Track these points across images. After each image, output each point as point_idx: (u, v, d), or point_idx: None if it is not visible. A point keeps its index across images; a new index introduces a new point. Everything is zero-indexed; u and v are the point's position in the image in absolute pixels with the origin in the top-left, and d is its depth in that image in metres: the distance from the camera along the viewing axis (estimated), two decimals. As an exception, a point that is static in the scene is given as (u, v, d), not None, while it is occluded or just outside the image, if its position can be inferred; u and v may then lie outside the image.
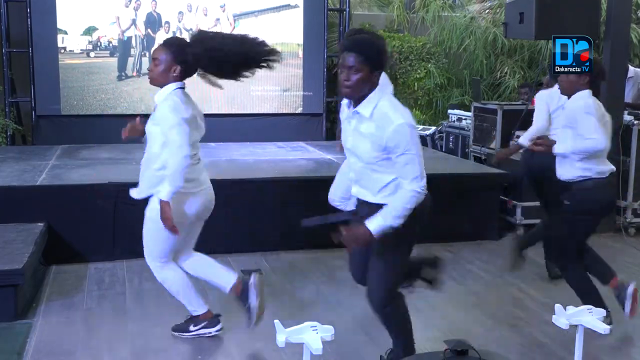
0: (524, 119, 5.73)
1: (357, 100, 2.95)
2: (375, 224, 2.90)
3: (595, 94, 3.89)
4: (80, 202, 5.05)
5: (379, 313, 3.23)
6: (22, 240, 4.46)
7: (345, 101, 3.09)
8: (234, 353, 3.61)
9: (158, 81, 3.52)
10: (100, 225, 5.04)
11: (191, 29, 7.87)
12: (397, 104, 2.97)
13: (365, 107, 2.93)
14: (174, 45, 3.52)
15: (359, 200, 3.15)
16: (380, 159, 2.93)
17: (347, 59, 2.89)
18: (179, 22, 7.95)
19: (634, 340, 3.87)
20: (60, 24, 7.59)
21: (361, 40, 2.95)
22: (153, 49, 3.66)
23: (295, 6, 8.22)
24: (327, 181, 4.57)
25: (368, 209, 3.02)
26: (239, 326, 3.93)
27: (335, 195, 4.37)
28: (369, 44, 2.93)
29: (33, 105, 7.53)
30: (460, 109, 8.61)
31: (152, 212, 3.48)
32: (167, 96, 3.48)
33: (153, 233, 3.54)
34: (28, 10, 7.39)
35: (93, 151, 6.84)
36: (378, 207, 2.97)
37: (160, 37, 7.83)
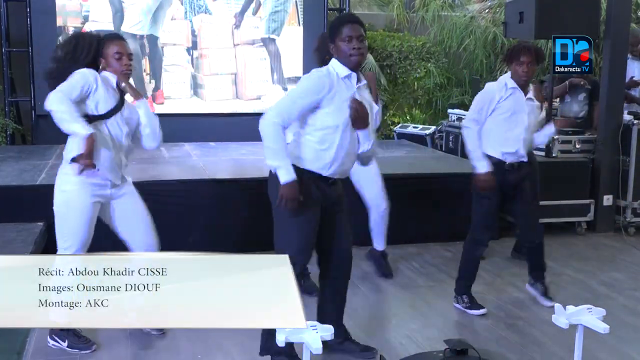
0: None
1: (355, 71, 3.23)
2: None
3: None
4: (80, 201, 5.04)
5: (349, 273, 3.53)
6: (22, 240, 4.46)
7: (336, 80, 3.20)
8: (234, 353, 3.61)
9: None
10: (100, 224, 5.03)
11: (193, 30, 7.89)
12: None
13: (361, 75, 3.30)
14: None
15: (336, 180, 3.35)
16: None
17: (356, 29, 3.17)
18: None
19: (633, 340, 3.87)
20: (59, 24, 7.58)
21: (355, 15, 3.35)
22: (119, 46, 3.57)
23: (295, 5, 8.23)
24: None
25: (341, 185, 3.41)
26: (238, 326, 3.93)
27: None
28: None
29: (33, 104, 7.52)
30: (460, 109, 8.60)
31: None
32: None
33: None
34: (28, 10, 7.39)
35: (93, 151, 6.83)
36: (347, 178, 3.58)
37: (161, 36, 7.84)
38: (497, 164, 4.13)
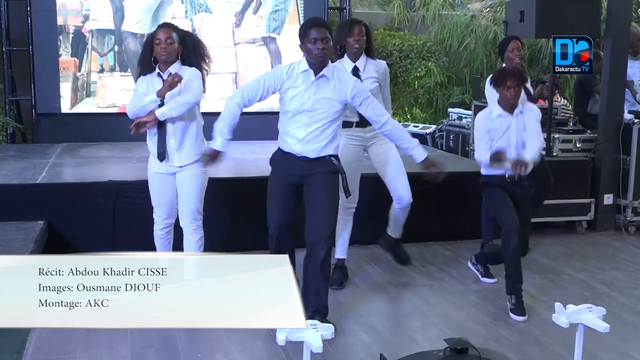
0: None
1: (319, 68, 3.70)
2: (421, 152, 3.85)
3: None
4: (81, 200, 5.05)
5: (328, 250, 3.85)
6: (22, 239, 4.47)
7: (297, 72, 3.75)
8: (234, 352, 3.61)
9: (172, 57, 3.95)
10: (100, 223, 5.05)
11: (194, 29, 7.89)
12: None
13: (327, 71, 3.72)
14: (178, 29, 4.03)
15: (302, 158, 3.85)
16: (339, 111, 3.79)
17: (321, 32, 3.64)
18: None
19: (633, 339, 3.88)
20: (60, 22, 7.58)
21: (323, 19, 3.91)
22: (158, 30, 3.94)
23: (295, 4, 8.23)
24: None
25: (309, 164, 3.82)
26: (239, 325, 3.93)
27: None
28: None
29: (33, 103, 7.52)
30: (460, 108, 8.61)
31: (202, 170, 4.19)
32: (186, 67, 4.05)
33: (203, 189, 4.21)
34: (28, 9, 7.39)
35: (93, 149, 6.84)
36: (320, 159, 3.81)
37: (161, 35, 7.83)
38: (500, 177, 4.32)
